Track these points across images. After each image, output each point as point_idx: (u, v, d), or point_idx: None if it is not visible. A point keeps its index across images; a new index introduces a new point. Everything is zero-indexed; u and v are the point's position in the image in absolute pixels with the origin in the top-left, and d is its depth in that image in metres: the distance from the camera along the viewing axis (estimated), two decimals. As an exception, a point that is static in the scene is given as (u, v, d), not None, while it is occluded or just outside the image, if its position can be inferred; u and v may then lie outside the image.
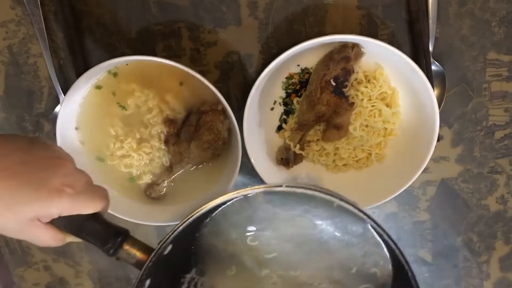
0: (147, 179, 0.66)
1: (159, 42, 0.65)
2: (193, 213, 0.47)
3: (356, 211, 0.41)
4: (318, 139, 0.65)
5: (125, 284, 0.77)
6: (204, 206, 0.47)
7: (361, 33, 0.64)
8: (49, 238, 0.44)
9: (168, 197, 0.67)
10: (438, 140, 0.66)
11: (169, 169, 0.65)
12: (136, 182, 0.66)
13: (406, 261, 0.41)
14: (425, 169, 0.68)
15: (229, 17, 0.64)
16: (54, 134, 0.62)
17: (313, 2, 0.63)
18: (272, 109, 0.66)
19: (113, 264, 0.76)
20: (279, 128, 0.67)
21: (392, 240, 0.41)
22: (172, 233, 0.47)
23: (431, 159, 0.68)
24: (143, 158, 0.64)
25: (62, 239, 0.45)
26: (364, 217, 0.41)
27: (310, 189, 0.42)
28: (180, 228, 0.47)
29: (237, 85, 0.67)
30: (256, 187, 0.45)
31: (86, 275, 0.77)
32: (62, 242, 0.46)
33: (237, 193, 0.45)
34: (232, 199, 0.46)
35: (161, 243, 0.47)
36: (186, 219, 0.47)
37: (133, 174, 0.65)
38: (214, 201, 0.46)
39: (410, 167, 0.62)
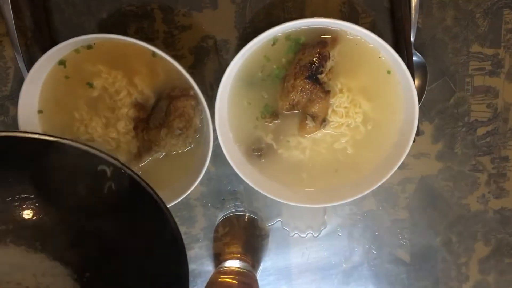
0: (113, 166, 0.62)
1: (131, 24, 0.62)
2: None
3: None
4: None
5: None
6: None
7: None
8: None
9: (136, 187, 0.63)
10: (418, 135, 0.63)
11: (137, 157, 0.62)
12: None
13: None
14: (405, 165, 0.66)
15: None
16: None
17: (292, -14, 0.60)
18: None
19: None
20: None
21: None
22: None
23: (411, 155, 0.66)
24: (109, 144, 0.61)
25: None
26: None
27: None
28: None
29: (212, 71, 0.64)
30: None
31: None
32: None
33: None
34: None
35: None
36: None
37: (98, 160, 0.62)
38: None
39: (387, 162, 0.60)
